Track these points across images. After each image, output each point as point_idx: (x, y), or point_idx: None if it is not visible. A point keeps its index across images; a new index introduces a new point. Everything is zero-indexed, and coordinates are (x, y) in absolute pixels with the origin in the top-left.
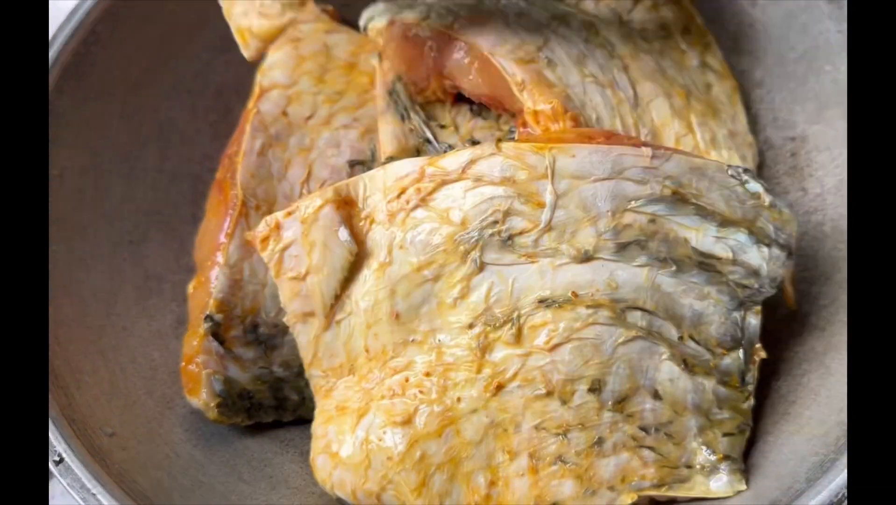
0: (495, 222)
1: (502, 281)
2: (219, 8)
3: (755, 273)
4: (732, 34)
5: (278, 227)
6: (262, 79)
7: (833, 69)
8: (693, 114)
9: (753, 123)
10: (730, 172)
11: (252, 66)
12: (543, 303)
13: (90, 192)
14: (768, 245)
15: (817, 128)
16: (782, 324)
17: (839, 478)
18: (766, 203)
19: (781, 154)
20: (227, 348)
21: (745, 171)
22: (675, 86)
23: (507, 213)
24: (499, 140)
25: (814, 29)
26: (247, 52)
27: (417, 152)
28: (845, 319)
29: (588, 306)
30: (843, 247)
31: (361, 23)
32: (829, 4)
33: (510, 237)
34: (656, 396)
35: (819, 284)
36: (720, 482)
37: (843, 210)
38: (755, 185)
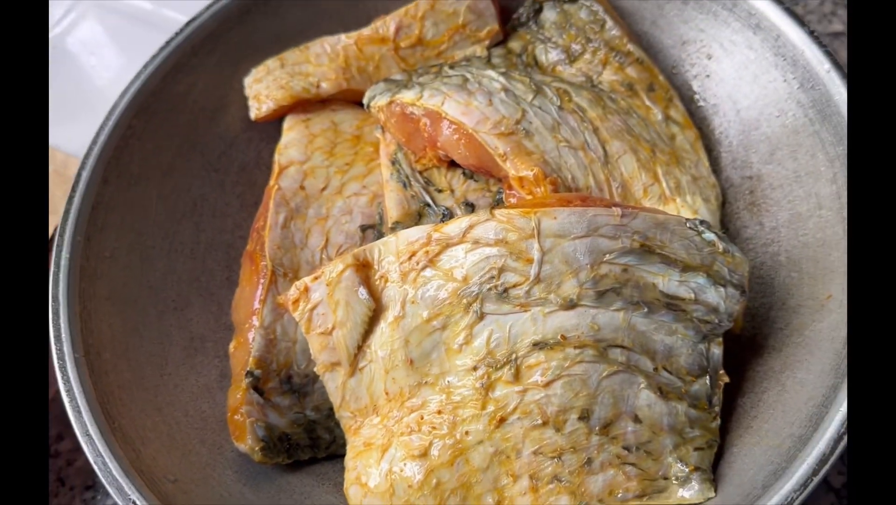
0: (492, 278)
1: (500, 328)
2: (237, 93)
3: (714, 310)
4: (694, 86)
5: (307, 290)
6: (279, 158)
7: (781, 114)
8: (658, 165)
9: (715, 165)
10: (688, 225)
11: (270, 143)
12: (537, 346)
13: (137, 267)
14: (724, 285)
15: (770, 168)
16: (745, 347)
17: (788, 484)
18: (720, 249)
19: (741, 192)
20: (266, 398)
21: (702, 222)
22: (641, 141)
23: (502, 270)
24: (492, 207)
25: (762, 78)
26: (256, 112)
27: (419, 215)
28: (798, 340)
29: (575, 347)
30: (797, 275)
31: (365, 101)
32: (776, 56)
33: (505, 290)
34: (636, 419)
35: (776, 309)
36: (692, 491)
37: (796, 241)
38: (710, 235)
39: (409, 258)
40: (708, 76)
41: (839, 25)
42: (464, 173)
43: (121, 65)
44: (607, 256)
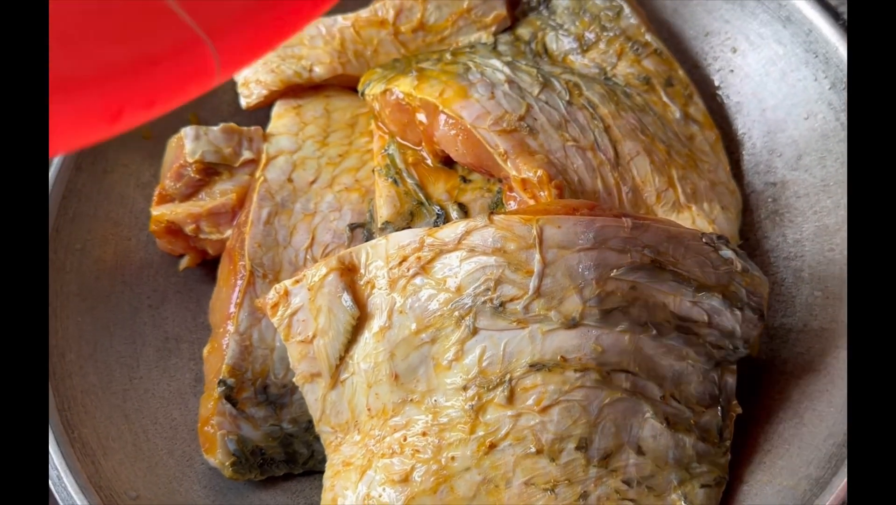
0: (487, 290)
1: (494, 345)
2: None
3: (730, 335)
4: (716, 81)
5: (287, 294)
6: (268, 147)
7: (810, 116)
8: (674, 168)
9: (736, 169)
10: (704, 240)
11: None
12: (534, 367)
13: (111, 261)
14: (741, 308)
15: (796, 174)
16: (761, 372)
17: None
18: (738, 268)
19: (763, 199)
20: (240, 409)
21: (719, 238)
22: (656, 141)
23: (499, 281)
24: (491, 212)
25: (791, 76)
26: (247, 100)
27: (411, 215)
28: (819, 368)
29: (576, 370)
30: (821, 294)
31: (359, 88)
32: (806, 53)
33: (502, 304)
34: (640, 451)
35: (796, 330)
36: None
37: (821, 257)
38: (727, 252)
39: (400, 264)
40: (732, 71)
41: None
42: (459, 174)
43: None
44: (615, 271)
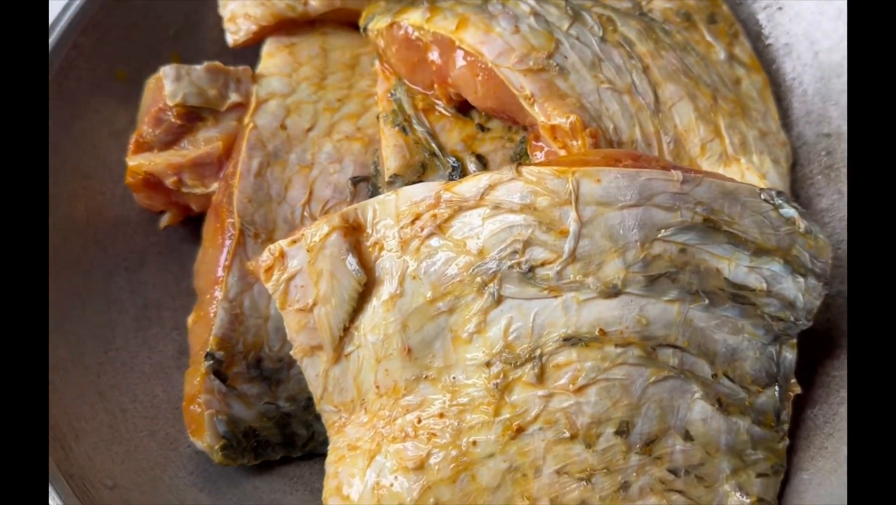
0: (515, 252)
1: (522, 316)
2: (208, 9)
3: (791, 305)
4: (761, 20)
5: (283, 255)
6: (258, 89)
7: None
8: (720, 115)
9: (786, 118)
10: (763, 196)
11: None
12: (568, 341)
13: (82, 218)
14: (804, 275)
15: None
16: (817, 345)
17: None
18: (801, 229)
19: (815, 152)
20: (231, 386)
21: (779, 194)
22: (701, 85)
23: (528, 243)
24: (518, 164)
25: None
26: (234, 36)
27: (423, 168)
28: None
29: (617, 345)
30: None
31: (361, 23)
32: None
33: (531, 269)
34: (687, 437)
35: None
36: None
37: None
38: (789, 210)
39: (412, 223)
40: (780, 9)
41: None
42: (476, 119)
43: None
44: (662, 231)
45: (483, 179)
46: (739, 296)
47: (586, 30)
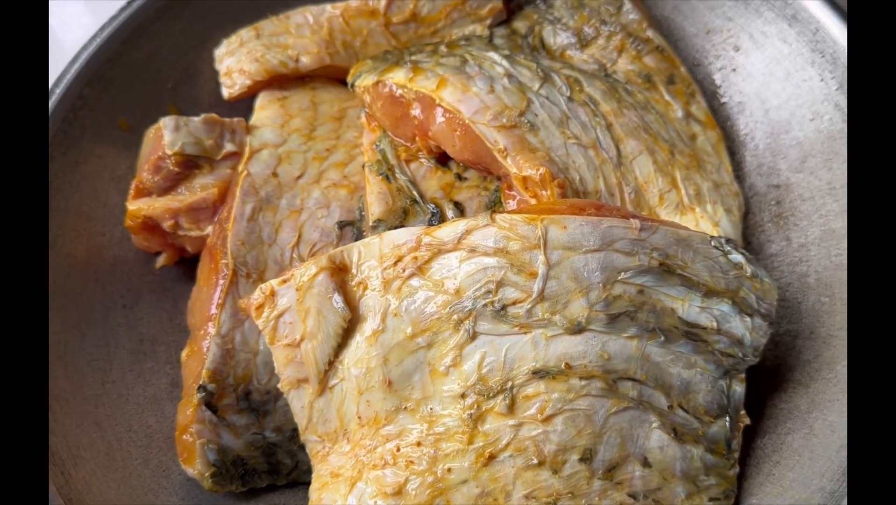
0: (488, 292)
1: (495, 351)
2: (206, 64)
3: (739, 342)
4: (717, 80)
5: (273, 294)
6: (251, 139)
7: (815, 117)
8: (677, 168)
9: (739, 170)
10: (713, 244)
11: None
12: (537, 374)
13: (82, 256)
14: (751, 315)
15: (801, 176)
16: (766, 379)
17: None
18: (748, 273)
19: (766, 201)
20: (221, 416)
21: (728, 241)
22: (659, 140)
23: (501, 284)
24: (492, 211)
25: (796, 76)
26: (230, 90)
27: (404, 213)
28: (829, 376)
29: (581, 378)
30: (828, 300)
31: (349, 80)
32: (813, 52)
33: (503, 307)
34: (646, 463)
35: (803, 337)
36: None
37: (827, 262)
38: (737, 256)
39: (395, 264)
40: (734, 70)
41: None
42: (454, 170)
43: (90, 24)
44: (622, 274)
45: (460, 225)
46: (692, 333)
47: (555, 90)
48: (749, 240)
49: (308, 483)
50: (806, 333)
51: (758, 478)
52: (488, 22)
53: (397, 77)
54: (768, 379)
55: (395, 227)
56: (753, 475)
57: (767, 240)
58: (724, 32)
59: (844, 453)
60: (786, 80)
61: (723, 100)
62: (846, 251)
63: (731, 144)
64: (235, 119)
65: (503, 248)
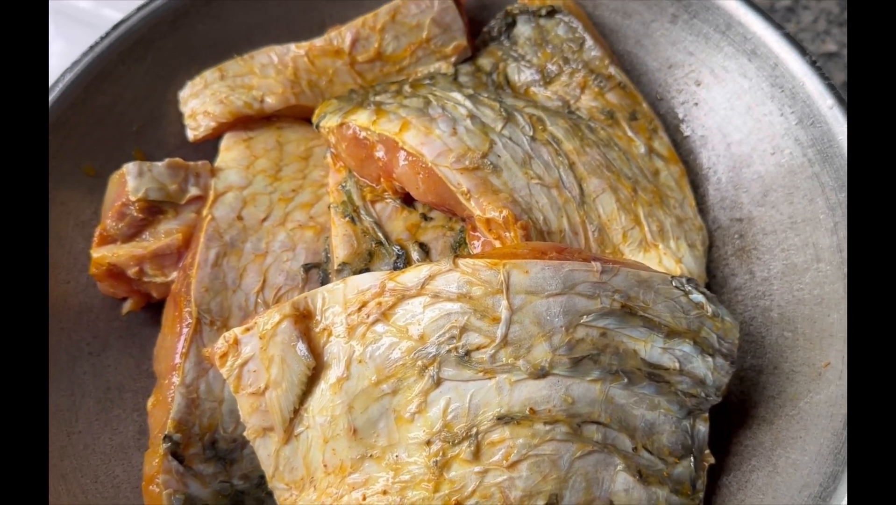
0: (452, 338)
1: (459, 397)
2: (170, 105)
3: (701, 382)
4: (679, 114)
5: (237, 343)
6: (216, 182)
7: (776, 151)
8: (640, 205)
9: (702, 204)
10: (674, 284)
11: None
12: (502, 420)
13: (50, 304)
14: (712, 355)
15: (762, 210)
16: (731, 415)
17: None
18: (709, 313)
19: (729, 235)
20: (187, 466)
21: (688, 281)
22: (622, 178)
23: (464, 329)
24: (455, 256)
25: (757, 110)
26: (195, 133)
27: (370, 256)
28: (791, 413)
29: (546, 422)
30: (791, 335)
31: (314, 120)
32: (772, 87)
33: (467, 353)
34: None
35: (766, 372)
36: None
37: (790, 296)
38: (698, 297)
39: (359, 310)
40: (696, 104)
41: (833, 45)
42: (420, 210)
43: (54, 66)
44: (584, 317)
45: (424, 270)
46: (655, 374)
47: (518, 129)
48: (713, 273)
49: None
50: (770, 367)
51: None
52: (453, 59)
53: (360, 119)
54: (733, 414)
55: (361, 270)
56: None
57: (731, 273)
58: (686, 67)
59: (806, 493)
60: (746, 115)
61: (685, 133)
62: (807, 286)
63: (694, 178)
64: (200, 162)
65: (466, 293)
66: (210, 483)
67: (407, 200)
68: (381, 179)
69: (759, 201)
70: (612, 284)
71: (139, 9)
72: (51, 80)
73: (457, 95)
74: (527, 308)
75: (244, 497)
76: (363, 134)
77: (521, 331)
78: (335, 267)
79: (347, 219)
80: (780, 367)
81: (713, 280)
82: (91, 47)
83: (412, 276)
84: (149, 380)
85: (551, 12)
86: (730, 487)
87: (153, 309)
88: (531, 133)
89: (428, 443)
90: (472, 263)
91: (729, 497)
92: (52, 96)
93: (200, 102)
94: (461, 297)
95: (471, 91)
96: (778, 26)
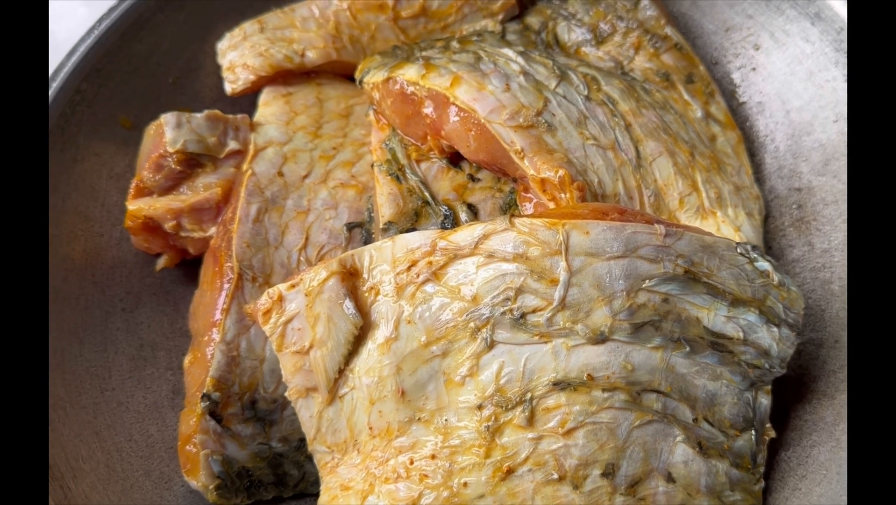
0: (507, 299)
1: (513, 361)
2: (208, 57)
3: (766, 353)
4: (736, 80)
5: (281, 299)
6: (256, 137)
7: (839, 119)
8: (698, 170)
9: (758, 173)
10: (739, 251)
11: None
12: (558, 385)
13: (80, 259)
14: (778, 325)
15: (823, 180)
16: (790, 389)
17: None
18: (775, 282)
19: (787, 205)
20: (225, 426)
21: (754, 248)
22: (679, 142)
23: (520, 291)
24: (511, 215)
25: (819, 77)
26: (233, 86)
27: (416, 216)
28: None
29: (604, 389)
30: None
31: (357, 76)
32: (836, 52)
33: (522, 315)
34: (669, 478)
35: (827, 346)
36: None
37: None
38: (764, 264)
39: (408, 269)
40: (754, 70)
41: None
42: (467, 170)
43: (85, 16)
44: (646, 282)
45: (478, 229)
46: (718, 344)
47: (572, 88)
48: (770, 245)
49: (315, 495)
50: (830, 342)
51: (783, 492)
52: (500, 17)
53: (409, 74)
54: (791, 389)
55: (407, 230)
56: (779, 489)
57: (788, 244)
58: (744, 30)
59: None
60: (808, 81)
61: (742, 100)
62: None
63: (751, 146)
64: (239, 116)
65: (523, 253)
66: (248, 445)
67: (453, 160)
68: (428, 137)
69: (819, 171)
70: (676, 249)
71: None
72: (84, 28)
73: (508, 52)
74: (586, 270)
75: (283, 460)
76: (411, 89)
77: (580, 294)
78: (380, 226)
79: (392, 177)
80: (842, 340)
81: (770, 252)
82: None
83: (465, 234)
84: (182, 339)
85: None
86: (789, 462)
87: (186, 266)
88: (586, 92)
89: (479, 407)
90: (529, 223)
91: (789, 473)
92: (87, 43)
93: (239, 55)
94: (517, 257)
95: (521, 49)
96: None
